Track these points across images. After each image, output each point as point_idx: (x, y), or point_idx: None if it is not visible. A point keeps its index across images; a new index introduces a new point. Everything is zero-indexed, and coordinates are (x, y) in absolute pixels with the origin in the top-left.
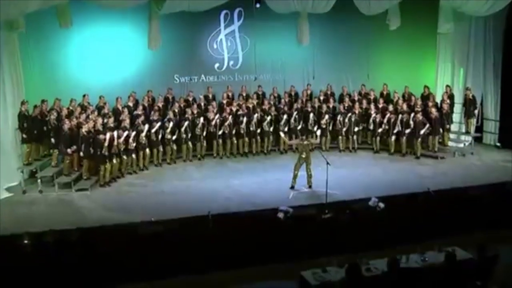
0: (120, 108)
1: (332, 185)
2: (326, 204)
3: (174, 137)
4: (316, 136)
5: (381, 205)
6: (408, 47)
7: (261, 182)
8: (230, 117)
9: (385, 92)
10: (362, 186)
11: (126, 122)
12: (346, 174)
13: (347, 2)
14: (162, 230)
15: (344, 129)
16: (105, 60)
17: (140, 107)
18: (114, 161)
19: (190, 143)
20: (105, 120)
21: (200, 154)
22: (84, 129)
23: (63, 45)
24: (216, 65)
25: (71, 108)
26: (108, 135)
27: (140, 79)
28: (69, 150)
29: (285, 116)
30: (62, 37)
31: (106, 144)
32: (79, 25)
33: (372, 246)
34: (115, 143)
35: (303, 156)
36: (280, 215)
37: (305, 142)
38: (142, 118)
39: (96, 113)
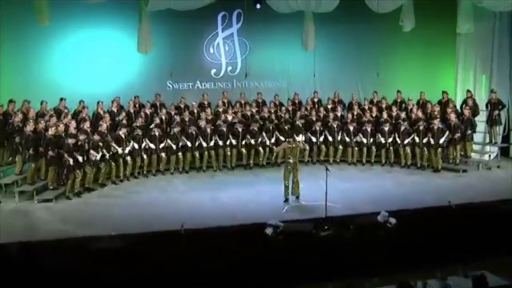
0: (101, 113)
1: (335, 198)
2: (325, 218)
3: (161, 146)
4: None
5: (392, 220)
6: (424, 50)
7: (252, 195)
8: (225, 125)
9: (398, 100)
10: (370, 200)
11: (104, 128)
12: (352, 187)
13: (356, 1)
14: (122, 245)
15: (355, 139)
16: (90, 64)
17: (123, 113)
18: (87, 169)
19: (180, 153)
20: (82, 125)
21: (188, 165)
22: (50, 132)
23: (46, 47)
24: (213, 71)
25: (42, 110)
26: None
27: (128, 85)
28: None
29: (287, 127)
30: (45, 38)
31: (72, 145)
32: (64, 26)
33: (380, 270)
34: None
35: (290, 161)
36: (268, 230)
37: (293, 145)
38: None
39: (70, 116)
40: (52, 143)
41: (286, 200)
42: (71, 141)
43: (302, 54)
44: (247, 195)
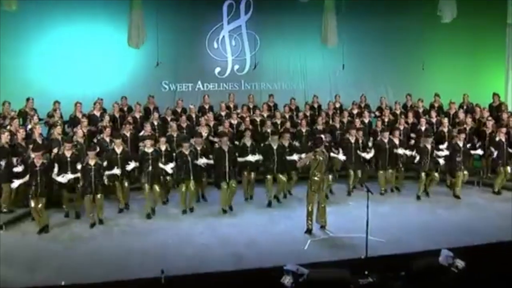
0: (79, 116)
1: (373, 229)
2: (365, 259)
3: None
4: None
5: (460, 263)
6: (467, 44)
7: (263, 223)
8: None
9: (436, 105)
10: (421, 231)
11: (80, 135)
12: (393, 214)
13: None
14: None
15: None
16: (74, 61)
17: (107, 118)
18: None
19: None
20: (52, 131)
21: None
22: (3, 139)
23: (23, 42)
24: (217, 69)
25: (4, 113)
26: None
27: (117, 85)
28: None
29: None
30: (22, 32)
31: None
32: (43, 19)
33: None
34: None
35: (316, 178)
36: (287, 279)
37: (320, 158)
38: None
39: (36, 119)
40: (4, 153)
41: (309, 231)
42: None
43: (322, 52)
44: (256, 224)
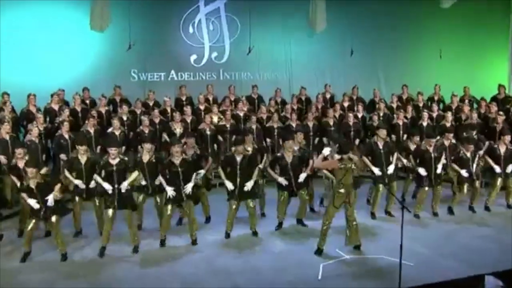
0: (33, 111)
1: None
2: None
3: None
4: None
5: None
6: (468, 32)
7: (260, 241)
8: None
9: (436, 97)
10: (458, 252)
11: (34, 134)
12: (421, 230)
13: None
14: None
15: None
16: (28, 48)
17: (66, 112)
18: None
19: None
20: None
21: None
22: None
23: None
24: (193, 57)
25: None
26: None
27: (79, 74)
28: None
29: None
30: None
31: None
32: None
33: None
34: None
35: (341, 190)
36: None
37: (347, 165)
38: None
39: None
40: None
41: (319, 252)
42: None
43: (310, 38)
44: (251, 243)
